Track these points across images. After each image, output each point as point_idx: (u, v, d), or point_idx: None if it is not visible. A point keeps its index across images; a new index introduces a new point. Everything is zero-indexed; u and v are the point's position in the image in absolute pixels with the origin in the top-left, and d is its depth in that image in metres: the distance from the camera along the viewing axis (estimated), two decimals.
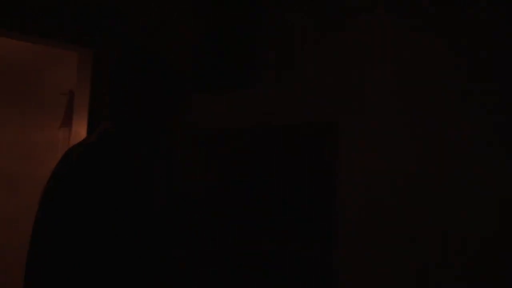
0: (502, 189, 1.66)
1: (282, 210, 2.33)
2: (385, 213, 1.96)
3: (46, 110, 3.96)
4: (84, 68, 2.48)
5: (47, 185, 1.24)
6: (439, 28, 1.87)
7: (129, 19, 2.58)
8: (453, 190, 1.78)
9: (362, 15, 2.12)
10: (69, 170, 1.19)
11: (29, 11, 2.22)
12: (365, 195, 2.03)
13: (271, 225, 2.35)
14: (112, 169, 1.19)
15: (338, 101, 2.17)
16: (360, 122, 2.08)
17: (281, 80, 2.44)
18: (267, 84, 2.49)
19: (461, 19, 1.81)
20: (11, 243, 3.80)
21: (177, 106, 1.34)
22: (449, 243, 1.78)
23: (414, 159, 1.89)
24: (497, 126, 1.69)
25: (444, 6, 1.87)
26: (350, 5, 2.18)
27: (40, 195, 1.24)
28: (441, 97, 1.84)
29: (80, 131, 2.52)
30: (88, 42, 2.43)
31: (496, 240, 1.66)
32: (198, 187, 2.54)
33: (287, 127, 2.36)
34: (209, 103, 2.68)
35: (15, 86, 4.09)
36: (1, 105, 3.95)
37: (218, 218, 2.51)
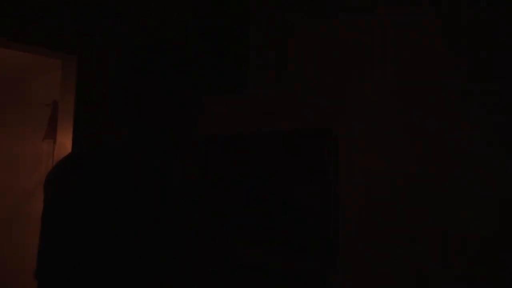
0: (502, 189, 1.66)
1: (280, 213, 2.33)
2: (385, 213, 1.96)
3: (29, 121, 3.85)
4: (68, 76, 2.38)
5: (55, 186, 1.24)
6: (439, 28, 1.87)
7: (116, 21, 2.52)
8: (453, 190, 1.78)
9: (362, 15, 2.12)
10: (79, 173, 1.20)
11: (10, 16, 2.15)
12: (365, 195, 2.03)
13: (268, 227, 2.35)
14: (115, 172, 1.20)
15: (338, 101, 2.17)
16: (360, 122, 2.08)
17: (281, 81, 2.44)
18: (267, 84, 2.49)
19: (461, 19, 1.81)
20: None
21: (178, 106, 1.34)
22: (449, 243, 1.78)
23: (414, 159, 1.89)
24: (497, 126, 1.69)
25: (444, 6, 1.87)
26: (350, 5, 2.18)
27: (48, 194, 1.24)
28: (441, 97, 1.84)
29: (64, 142, 2.42)
30: (72, 48, 2.33)
31: (496, 240, 1.66)
32: (195, 191, 2.53)
33: (286, 129, 2.36)
34: (208, 105, 2.67)
35: (7, 96, 4.04)
36: None
37: (215, 222, 2.50)
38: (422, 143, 1.88)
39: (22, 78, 3.94)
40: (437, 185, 1.82)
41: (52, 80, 3.49)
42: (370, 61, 2.08)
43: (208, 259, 2.49)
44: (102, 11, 2.42)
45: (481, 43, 1.75)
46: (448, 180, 1.80)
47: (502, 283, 1.63)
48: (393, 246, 1.93)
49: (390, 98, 1.99)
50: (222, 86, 2.64)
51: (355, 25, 2.15)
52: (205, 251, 2.43)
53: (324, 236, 2.15)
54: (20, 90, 4.00)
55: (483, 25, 1.75)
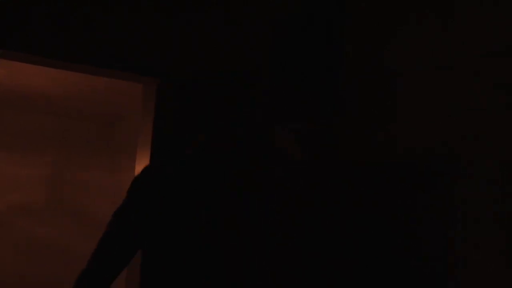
0: None
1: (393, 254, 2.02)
2: None
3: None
4: (148, 103, 2.29)
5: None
6: None
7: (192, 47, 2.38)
8: None
9: None
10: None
11: (92, 41, 2.18)
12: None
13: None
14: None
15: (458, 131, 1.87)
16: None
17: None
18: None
19: None
20: None
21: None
22: None
23: None
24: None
25: None
26: None
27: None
28: None
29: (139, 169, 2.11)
30: (152, 72, 2.26)
31: None
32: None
33: (393, 164, 2.04)
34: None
35: (102, 134, 4.63)
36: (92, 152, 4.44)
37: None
38: None
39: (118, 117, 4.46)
40: None
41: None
42: None
43: None
44: (163, 39, 2.31)
45: None
46: None
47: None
48: None
49: None
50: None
51: None
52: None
53: None
54: (121, 126, 4.54)
55: None
